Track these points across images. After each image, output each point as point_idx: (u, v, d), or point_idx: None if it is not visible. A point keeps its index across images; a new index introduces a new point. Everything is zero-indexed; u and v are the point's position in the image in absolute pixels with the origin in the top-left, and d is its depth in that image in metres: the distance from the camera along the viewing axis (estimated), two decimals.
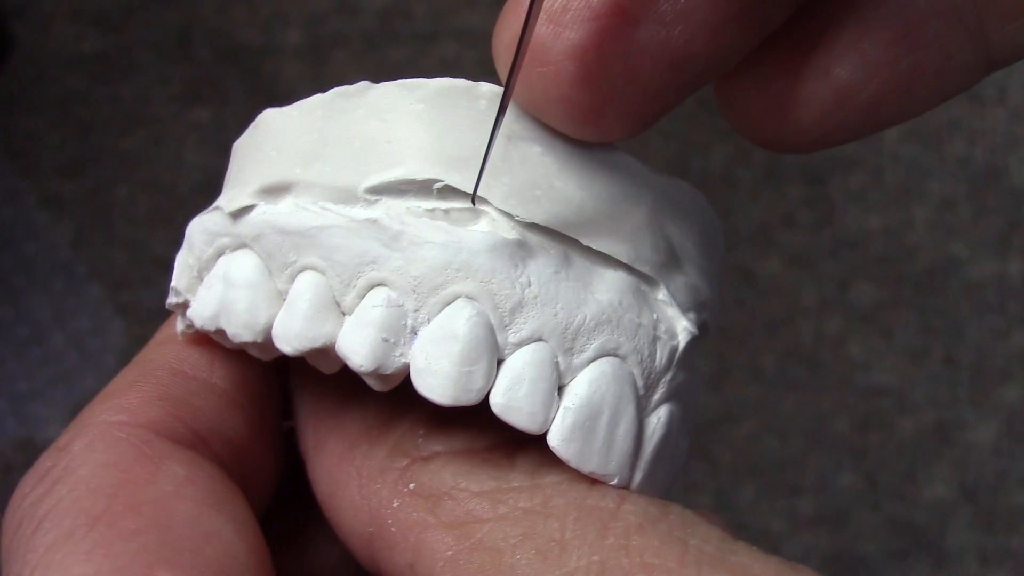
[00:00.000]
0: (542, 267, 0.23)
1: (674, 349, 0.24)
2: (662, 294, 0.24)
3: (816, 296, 0.81)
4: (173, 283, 0.26)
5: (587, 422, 0.23)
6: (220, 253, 0.25)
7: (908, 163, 0.82)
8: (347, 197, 0.23)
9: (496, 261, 0.23)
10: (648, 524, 0.22)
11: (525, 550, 0.22)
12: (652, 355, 0.24)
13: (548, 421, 0.23)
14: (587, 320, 0.23)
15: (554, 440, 0.23)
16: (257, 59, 0.84)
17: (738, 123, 0.26)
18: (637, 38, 0.22)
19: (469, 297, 0.23)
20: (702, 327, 0.25)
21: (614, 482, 0.23)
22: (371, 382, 0.23)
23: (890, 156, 0.82)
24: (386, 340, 0.22)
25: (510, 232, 0.23)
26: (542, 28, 0.22)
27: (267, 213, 0.24)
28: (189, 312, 0.26)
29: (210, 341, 0.26)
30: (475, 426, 0.24)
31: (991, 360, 0.79)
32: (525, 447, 0.24)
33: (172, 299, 0.26)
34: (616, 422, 0.23)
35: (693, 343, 0.25)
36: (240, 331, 0.24)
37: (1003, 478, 0.77)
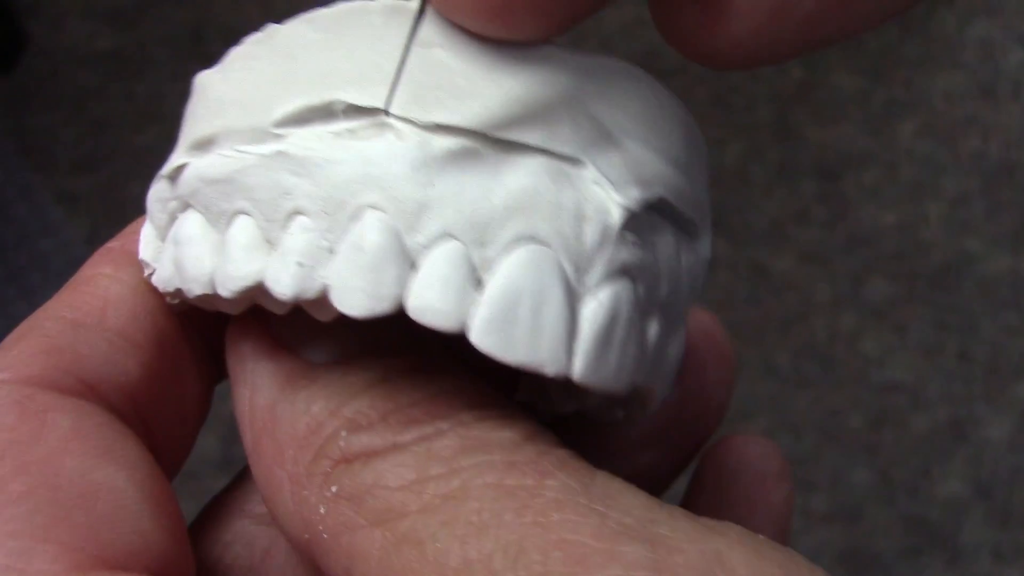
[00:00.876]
0: (446, 166, 0.23)
1: (607, 226, 0.23)
2: (590, 173, 0.23)
3: (830, 292, 0.81)
4: (140, 255, 0.27)
5: (505, 312, 0.22)
6: (173, 218, 0.25)
7: (922, 159, 0.82)
8: (259, 136, 0.23)
9: (396, 167, 0.23)
10: (568, 499, 0.21)
11: (445, 537, 0.21)
12: (579, 236, 0.23)
13: (464, 317, 0.22)
14: (497, 210, 0.22)
15: (473, 336, 0.22)
16: None
17: (671, 36, 0.25)
18: None
19: (374, 207, 0.23)
20: (659, 203, 0.24)
21: (550, 371, 0.22)
22: (314, 313, 0.24)
23: (904, 152, 0.82)
24: (302, 264, 0.23)
25: (412, 138, 0.23)
26: None
27: (197, 168, 0.24)
28: (154, 279, 0.26)
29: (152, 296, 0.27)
30: (400, 421, 0.24)
31: (1006, 356, 0.79)
32: (446, 434, 0.24)
33: (144, 271, 0.26)
34: (540, 308, 0.22)
35: (638, 219, 0.24)
36: (191, 285, 0.24)
37: (1018, 474, 0.77)
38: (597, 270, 0.23)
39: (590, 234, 0.23)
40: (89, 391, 0.24)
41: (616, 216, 0.23)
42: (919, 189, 0.81)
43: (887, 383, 0.79)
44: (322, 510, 0.23)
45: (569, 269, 0.23)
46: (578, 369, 0.22)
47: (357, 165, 0.23)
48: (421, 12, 0.23)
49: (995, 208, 0.81)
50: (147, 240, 0.26)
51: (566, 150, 0.23)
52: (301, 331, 0.25)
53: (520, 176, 0.23)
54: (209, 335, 0.27)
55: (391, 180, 0.22)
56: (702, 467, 0.31)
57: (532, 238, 0.23)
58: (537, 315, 0.22)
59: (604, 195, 0.23)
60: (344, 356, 0.25)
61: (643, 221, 0.23)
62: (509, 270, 0.22)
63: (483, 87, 0.23)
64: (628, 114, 0.24)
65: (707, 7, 0.23)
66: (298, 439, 0.24)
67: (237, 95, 0.24)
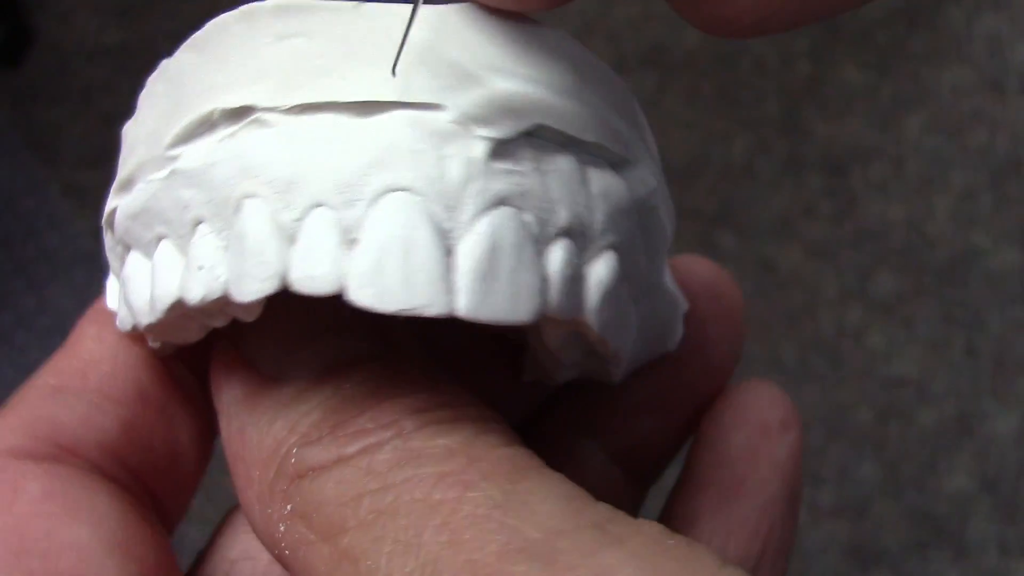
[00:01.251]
0: (310, 141, 0.23)
1: (471, 160, 0.23)
2: (448, 114, 0.23)
3: (837, 287, 0.81)
4: (107, 305, 0.28)
5: (376, 263, 0.22)
6: (121, 262, 0.26)
7: (929, 153, 0.82)
8: (160, 162, 0.24)
9: (264, 152, 0.23)
10: (484, 513, 0.21)
11: (374, 554, 0.22)
12: (443, 175, 0.23)
13: (341, 278, 0.23)
14: (360, 169, 0.23)
15: (350, 294, 0.22)
16: None
17: (679, 4, 0.25)
18: None
19: (250, 196, 0.23)
20: (538, 129, 0.23)
21: (432, 311, 0.22)
22: (240, 315, 0.24)
23: (911, 146, 0.82)
24: (202, 268, 0.23)
25: (279, 123, 0.23)
26: None
27: (122, 208, 0.25)
28: (117, 323, 0.27)
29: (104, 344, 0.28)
30: (347, 433, 0.24)
31: (1012, 351, 0.79)
32: (384, 446, 0.24)
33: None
34: (409, 253, 0.22)
35: (511, 148, 0.23)
36: (140, 318, 0.25)
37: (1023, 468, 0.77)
38: (469, 205, 0.23)
39: (455, 171, 0.23)
40: (66, 454, 0.26)
41: (479, 149, 0.23)
42: (926, 183, 0.81)
43: (894, 377, 0.79)
44: (282, 528, 0.23)
45: (438, 209, 0.23)
46: (463, 304, 0.22)
47: (232, 161, 0.23)
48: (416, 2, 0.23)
49: (1002, 202, 0.81)
50: (111, 290, 0.28)
51: (423, 98, 0.23)
52: (270, 347, 0.25)
53: (379, 132, 0.23)
54: (205, 377, 0.28)
55: (261, 166, 0.23)
56: (703, 421, 0.30)
57: (395, 188, 0.23)
58: (408, 260, 0.22)
59: (464, 132, 0.23)
60: (316, 366, 0.25)
61: (521, 150, 0.23)
62: (375, 223, 0.23)
63: (334, 62, 0.23)
64: (493, 53, 0.24)
65: None
66: (262, 459, 0.25)
67: (143, 131, 0.25)
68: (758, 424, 0.29)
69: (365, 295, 0.22)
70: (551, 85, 0.24)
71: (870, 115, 0.82)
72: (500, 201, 0.23)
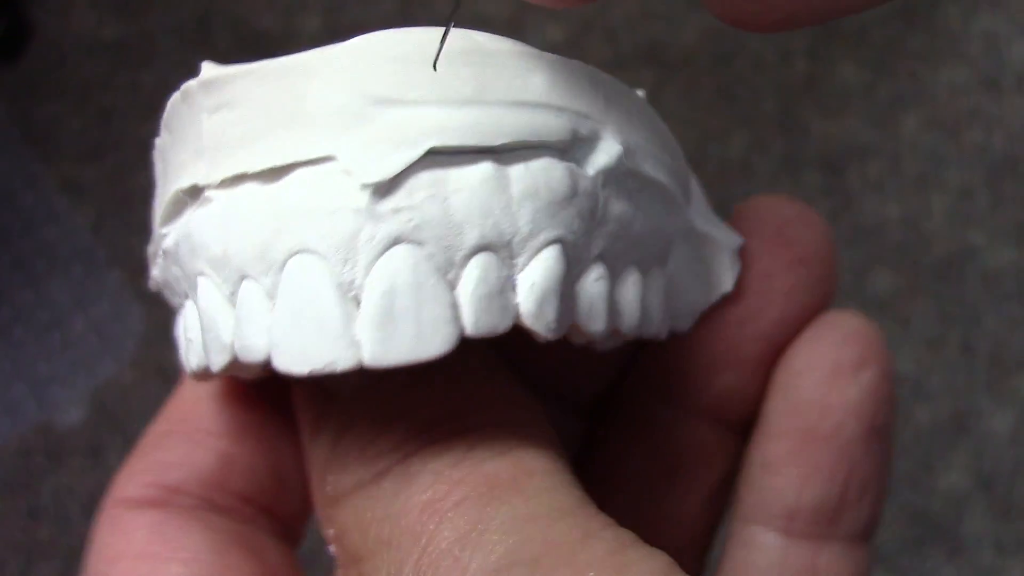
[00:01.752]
0: (234, 214, 0.24)
1: (355, 211, 0.23)
2: (339, 163, 0.23)
3: None
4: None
5: (290, 327, 0.23)
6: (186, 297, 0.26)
7: (926, 151, 0.82)
8: (158, 241, 0.26)
9: (202, 232, 0.24)
10: (446, 548, 0.22)
11: None
12: (335, 230, 0.23)
13: (267, 348, 0.23)
14: (271, 235, 0.23)
15: (274, 362, 0.23)
16: (276, 45, 0.84)
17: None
18: None
19: (200, 274, 0.24)
20: (432, 152, 0.23)
21: (341, 367, 0.22)
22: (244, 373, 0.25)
23: (908, 144, 0.82)
24: (190, 340, 0.25)
25: (215, 198, 0.24)
26: None
27: (165, 242, 0.26)
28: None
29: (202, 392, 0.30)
30: (366, 458, 0.24)
31: (1008, 349, 0.79)
32: (388, 473, 0.24)
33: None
34: (316, 313, 0.23)
35: (399, 183, 0.23)
36: (211, 360, 0.25)
37: (1020, 467, 0.77)
38: (363, 254, 0.22)
39: (344, 224, 0.22)
40: (171, 494, 0.28)
41: (362, 198, 0.22)
42: (923, 182, 0.81)
43: None
44: (330, 549, 0.25)
45: (338, 264, 0.23)
46: (367, 355, 0.22)
47: (185, 242, 0.24)
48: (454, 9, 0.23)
49: (999, 201, 0.81)
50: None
51: (316, 152, 0.23)
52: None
53: (282, 196, 0.23)
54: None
55: (202, 245, 0.24)
56: (776, 367, 0.29)
57: (298, 250, 0.23)
58: (314, 320, 0.22)
59: (348, 180, 0.23)
60: (353, 382, 0.25)
61: (413, 179, 0.22)
62: (284, 288, 0.23)
63: (257, 129, 0.24)
64: (391, 83, 0.23)
65: None
66: (313, 483, 0.26)
67: (153, 211, 0.27)
68: (829, 367, 0.28)
69: (283, 360, 0.22)
70: (447, 100, 0.23)
71: (867, 113, 0.82)
72: (394, 241, 0.22)
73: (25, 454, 0.79)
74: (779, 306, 0.28)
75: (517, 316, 0.23)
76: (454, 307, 0.22)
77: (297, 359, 0.22)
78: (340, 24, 0.84)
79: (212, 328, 0.24)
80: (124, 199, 0.81)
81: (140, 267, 0.90)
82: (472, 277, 0.22)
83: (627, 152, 0.24)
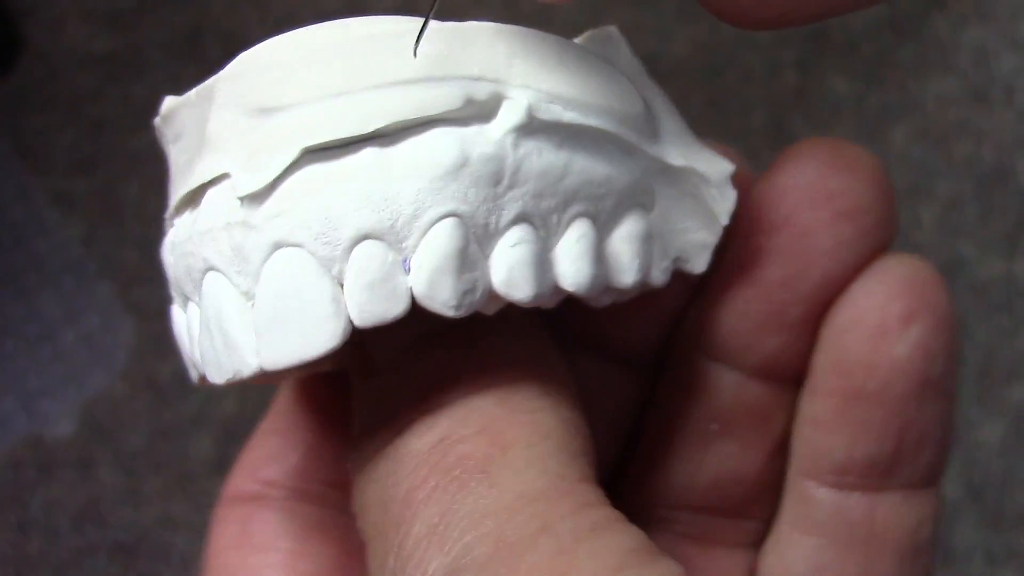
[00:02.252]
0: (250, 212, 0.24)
1: (243, 223, 0.23)
2: (231, 180, 0.24)
3: None
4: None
5: (203, 337, 0.24)
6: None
7: (915, 163, 0.82)
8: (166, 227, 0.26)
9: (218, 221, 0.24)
10: (413, 547, 0.22)
11: (372, 573, 0.24)
12: (231, 244, 0.24)
13: (257, 347, 0.23)
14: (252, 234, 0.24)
15: (259, 355, 0.24)
16: None
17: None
18: None
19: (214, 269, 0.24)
20: (311, 149, 0.23)
21: (243, 375, 0.23)
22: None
23: (897, 156, 0.82)
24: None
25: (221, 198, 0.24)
26: None
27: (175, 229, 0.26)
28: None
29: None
30: (375, 443, 0.25)
31: (998, 360, 0.79)
32: (385, 454, 0.24)
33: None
34: (222, 323, 0.24)
35: (278, 183, 0.23)
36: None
37: (1010, 477, 0.77)
38: (252, 263, 0.23)
39: (230, 239, 0.23)
40: (265, 487, 0.30)
41: (240, 211, 0.23)
42: (912, 193, 0.82)
43: None
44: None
45: (234, 275, 0.23)
46: (261, 359, 0.23)
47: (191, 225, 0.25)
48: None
49: (988, 212, 0.81)
50: None
51: (216, 171, 0.24)
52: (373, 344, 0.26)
53: (198, 217, 0.24)
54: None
55: (166, 272, 0.25)
56: (821, 324, 0.27)
57: (209, 268, 0.24)
58: (223, 333, 0.24)
59: (233, 195, 0.23)
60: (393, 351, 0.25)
61: (287, 182, 0.23)
62: (203, 305, 0.24)
63: (190, 158, 0.25)
64: (259, 95, 0.24)
65: None
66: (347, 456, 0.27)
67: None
68: (875, 323, 0.27)
69: (208, 374, 0.24)
70: (318, 96, 0.23)
71: (856, 125, 0.83)
72: (275, 247, 0.23)
73: (15, 467, 0.79)
74: (821, 267, 0.27)
75: (401, 302, 0.22)
76: (337, 301, 0.22)
77: (214, 372, 0.23)
78: None
79: (181, 346, 0.26)
80: (115, 211, 0.81)
81: (131, 279, 0.90)
82: (353, 268, 0.22)
83: (542, 105, 0.23)
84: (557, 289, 0.24)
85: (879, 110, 0.83)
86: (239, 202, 0.23)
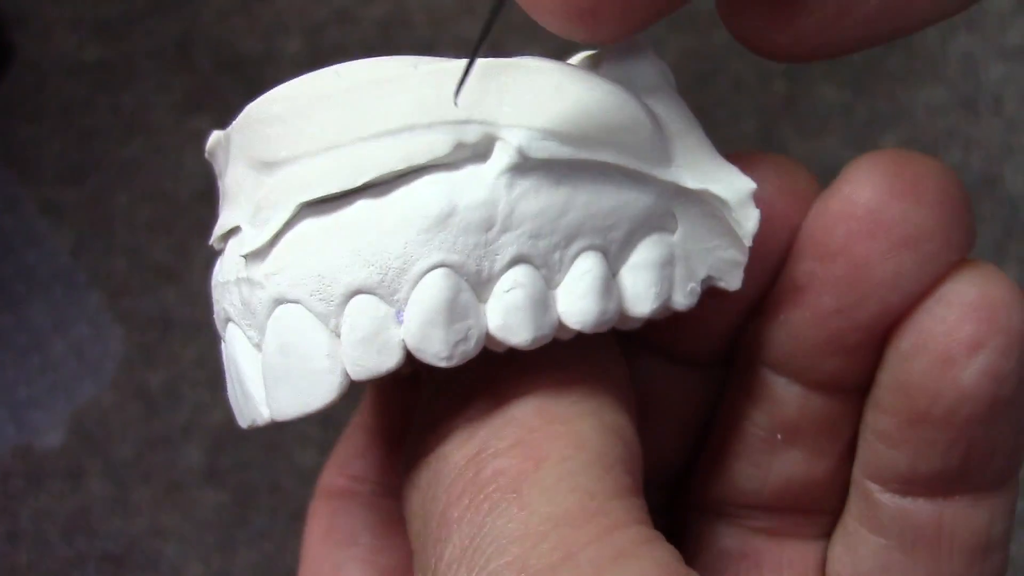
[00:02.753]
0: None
1: (242, 280, 0.24)
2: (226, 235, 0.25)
3: None
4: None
5: (272, 376, 0.24)
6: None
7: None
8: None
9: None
10: (445, 570, 0.23)
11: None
12: (238, 299, 0.25)
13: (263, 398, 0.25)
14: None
15: (271, 408, 0.25)
16: (257, 68, 0.84)
17: (739, 34, 0.26)
18: None
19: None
20: (302, 207, 0.24)
21: (258, 424, 0.25)
22: None
23: None
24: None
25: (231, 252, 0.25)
26: None
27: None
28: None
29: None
30: (415, 451, 0.26)
31: None
32: (426, 460, 0.25)
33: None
34: (239, 373, 0.25)
35: (271, 244, 0.24)
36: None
37: None
38: (258, 317, 0.24)
39: (239, 294, 0.24)
40: (352, 482, 0.31)
41: (243, 268, 0.24)
42: None
43: None
44: None
45: (247, 329, 0.24)
46: (270, 411, 0.24)
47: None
48: (497, 10, 0.23)
49: (977, 220, 0.81)
50: None
51: (232, 223, 0.25)
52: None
53: (218, 267, 0.26)
54: None
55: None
56: (886, 346, 0.26)
57: (228, 319, 0.25)
58: (240, 383, 0.25)
59: (229, 249, 0.25)
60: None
61: (287, 239, 0.23)
62: (225, 355, 0.25)
63: (238, 195, 0.25)
64: (263, 150, 0.24)
65: (777, 10, 0.24)
66: None
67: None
68: (940, 351, 0.25)
69: (238, 420, 0.25)
70: (311, 151, 0.23)
71: (846, 133, 0.83)
72: (276, 303, 0.23)
73: (4, 477, 0.78)
74: (879, 297, 0.26)
75: (393, 356, 0.23)
76: (334, 356, 0.23)
77: (238, 416, 0.25)
78: (321, 47, 0.84)
79: None
80: (104, 221, 0.81)
81: (120, 289, 0.90)
82: (347, 323, 0.22)
83: (535, 143, 0.23)
84: (562, 327, 0.24)
85: (868, 119, 0.83)
86: (238, 261, 0.24)
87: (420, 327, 0.22)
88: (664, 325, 0.28)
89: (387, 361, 0.22)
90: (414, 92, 0.23)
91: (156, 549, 0.77)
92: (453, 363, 0.23)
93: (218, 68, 0.84)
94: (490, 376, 0.24)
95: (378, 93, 0.23)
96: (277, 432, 0.76)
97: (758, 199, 0.26)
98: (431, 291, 0.22)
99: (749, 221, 0.26)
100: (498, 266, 0.23)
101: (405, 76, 0.23)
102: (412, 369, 0.27)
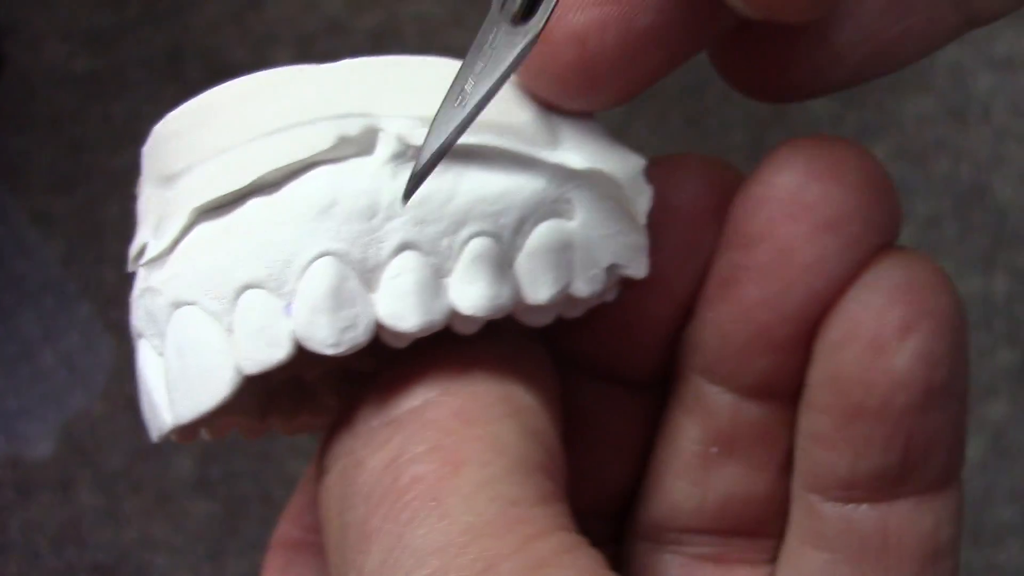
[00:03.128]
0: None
1: (141, 289, 0.25)
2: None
3: None
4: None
5: (141, 396, 0.25)
6: None
7: (894, 182, 0.83)
8: None
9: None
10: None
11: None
12: (136, 303, 0.26)
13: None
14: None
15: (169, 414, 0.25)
16: None
17: (734, 81, 0.26)
18: (638, 25, 0.23)
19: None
20: (197, 215, 0.24)
21: (163, 432, 0.25)
22: None
23: None
24: None
25: None
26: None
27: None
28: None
29: None
30: (332, 449, 0.25)
31: (977, 377, 0.79)
32: (334, 467, 0.25)
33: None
34: (146, 383, 0.25)
35: (170, 250, 0.24)
36: None
37: (989, 494, 0.78)
38: (160, 324, 0.24)
39: (144, 305, 0.25)
40: (305, 532, 0.30)
41: (147, 277, 0.25)
42: None
43: None
44: None
45: (152, 338, 0.25)
46: (173, 415, 0.24)
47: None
48: (531, 43, 0.23)
49: (966, 230, 0.82)
50: None
51: (142, 240, 0.25)
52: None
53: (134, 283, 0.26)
54: None
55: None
56: (814, 339, 0.26)
57: (137, 336, 0.25)
58: (147, 392, 0.25)
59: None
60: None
61: (184, 244, 0.24)
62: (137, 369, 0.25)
63: (147, 214, 0.25)
64: (165, 165, 0.25)
65: (770, 60, 0.25)
66: None
67: None
68: (869, 337, 0.25)
69: (149, 430, 0.25)
70: (202, 158, 0.24)
71: None
72: (175, 305, 0.24)
73: None
74: (804, 284, 0.25)
75: (284, 347, 0.23)
76: (226, 352, 0.23)
77: (151, 432, 0.25)
78: (312, 55, 0.84)
79: None
80: (94, 231, 0.81)
81: (110, 299, 0.89)
82: (238, 319, 0.23)
83: (415, 131, 0.23)
84: (456, 314, 0.23)
85: (857, 129, 0.83)
86: (145, 269, 0.24)
87: (307, 315, 0.22)
88: (597, 341, 0.28)
89: (277, 353, 0.22)
90: (297, 93, 0.23)
91: (146, 560, 0.76)
92: (341, 350, 0.22)
93: (209, 78, 0.84)
94: (408, 375, 0.24)
95: (264, 98, 0.23)
96: (268, 442, 0.76)
97: (677, 192, 0.26)
98: (316, 279, 0.22)
99: (642, 199, 0.25)
100: (384, 253, 0.23)
101: (289, 80, 0.24)
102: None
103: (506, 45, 0.22)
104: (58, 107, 0.86)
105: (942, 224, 0.82)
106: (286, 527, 0.30)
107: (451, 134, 0.22)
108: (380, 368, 0.25)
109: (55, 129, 0.85)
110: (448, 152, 0.22)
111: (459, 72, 0.23)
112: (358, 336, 0.23)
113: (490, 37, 0.23)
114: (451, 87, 0.22)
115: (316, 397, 0.28)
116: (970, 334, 0.27)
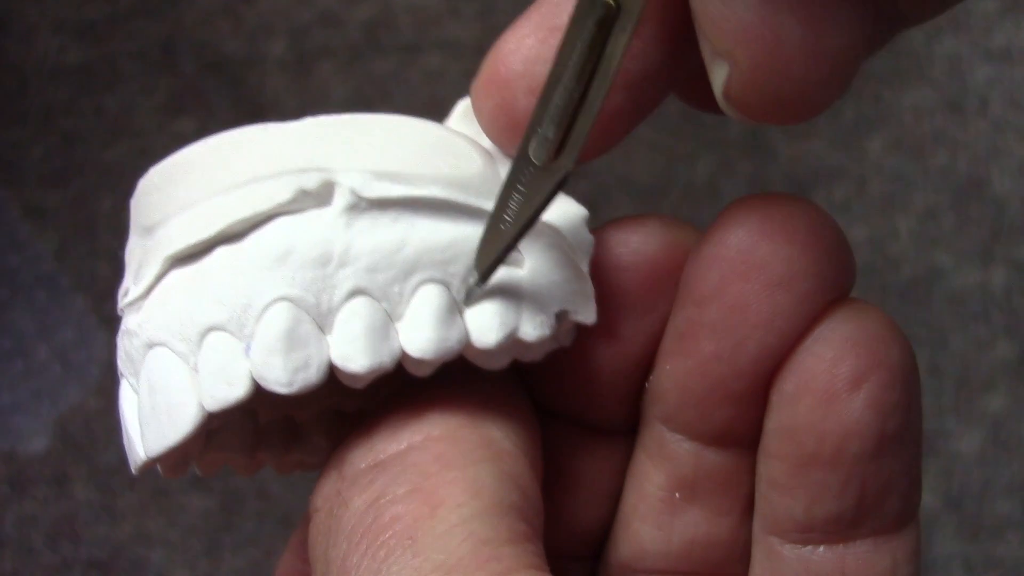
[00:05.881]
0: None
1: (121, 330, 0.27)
2: None
3: None
4: None
5: (143, 416, 0.27)
6: None
7: (891, 174, 0.82)
8: None
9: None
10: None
11: None
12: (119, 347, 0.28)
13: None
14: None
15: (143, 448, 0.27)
16: (242, 70, 0.84)
17: (697, 107, 0.27)
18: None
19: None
20: (171, 261, 0.26)
21: (139, 464, 0.27)
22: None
23: (874, 167, 0.82)
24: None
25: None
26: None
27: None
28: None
29: None
30: (320, 488, 0.27)
31: (975, 370, 0.79)
32: (322, 510, 0.26)
33: None
34: (124, 421, 0.27)
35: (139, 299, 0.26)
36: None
37: (988, 487, 0.77)
38: (135, 364, 0.26)
39: (122, 346, 0.27)
40: (306, 564, 0.29)
41: (125, 321, 0.27)
42: (889, 204, 0.82)
43: None
44: None
45: (129, 377, 0.27)
46: (145, 449, 0.26)
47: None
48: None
49: (964, 222, 0.81)
50: None
51: (124, 287, 0.27)
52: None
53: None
54: None
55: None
56: (770, 390, 0.27)
57: (120, 375, 0.27)
58: (126, 430, 0.27)
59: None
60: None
61: (158, 289, 0.26)
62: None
63: (131, 262, 0.27)
64: (147, 216, 0.27)
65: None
66: None
67: None
68: (822, 389, 0.25)
69: (145, 448, 0.26)
70: (177, 210, 0.26)
71: (833, 136, 0.83)
72: (148, 346, 0.26)
73: None
74: (756, 340, 0.26)
75: (243, 388, 0.24)
76: (191, 391, 0.25)
77: (131, 466, 0.27)
78: (305, 48, 0.84)
79: None
80: (88, 225, 0.81)
81: (104, 293, 0.89)
82: (202, 359, 0.25)
83: (370, 184, 0.25)
84: (406, 357, 0.25)
85: (855, 121, 0.83)
86: (126, 313, 0.26)
87: (263, 356, 0.24)
88: (570, 390, 0.29)
89: (236, 391, 0.24)
90: (262, 150, 0.25)
91: (142, 555, 0.76)
92: (294, 390, 0.24)
93: (202, 70, 0.84)
94: (394, 419, 0.25)
95: (230, 154, 0.26)
96: None
97: (636, 251, 0.28)
98: (271, 323, 0.24)
99: (583, 247, 0.27)
100: (337, 298, 0.24)
101: (256, 138, 0.26)
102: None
103: (539, 182, 0.24)
104: (50, 100, 0.85)
105: (940, 216, 0.82)
106: (290, 557, 0.31)
107: (501, 251, 0.25)
108: (369, 411, 0.26)
109: (47, 122, 0.85)
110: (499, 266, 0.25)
111: (495, 208, 0.25)
112: (310, 376, 0.24)
113: (521, 177, 0.25)
114: (490, 219, 0.25)
115: (308, 437, 0.30)
116: (921, 384, 0.27)
